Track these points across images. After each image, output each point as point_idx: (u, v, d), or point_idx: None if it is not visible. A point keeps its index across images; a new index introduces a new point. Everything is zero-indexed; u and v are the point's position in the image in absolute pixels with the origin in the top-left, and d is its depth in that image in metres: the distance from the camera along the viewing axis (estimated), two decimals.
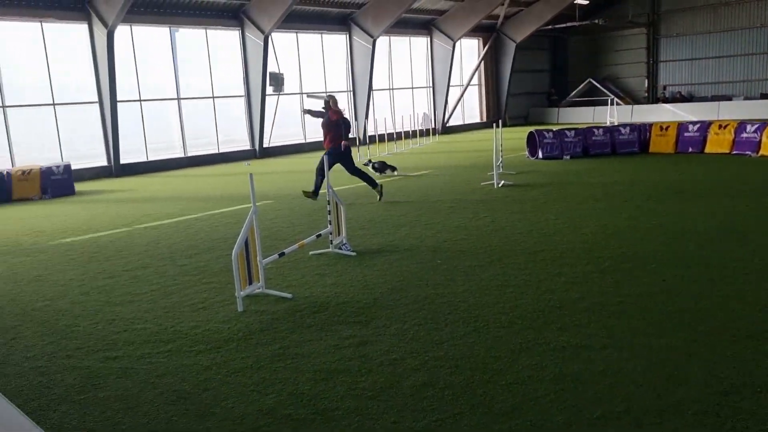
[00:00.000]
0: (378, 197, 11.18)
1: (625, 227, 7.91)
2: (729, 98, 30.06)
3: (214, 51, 21.28)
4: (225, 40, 21.51)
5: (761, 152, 14.23)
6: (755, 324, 4.55)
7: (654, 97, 33.42)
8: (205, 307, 5.63)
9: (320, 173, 11.35)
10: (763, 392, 3.56)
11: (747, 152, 14.55)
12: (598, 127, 17.00)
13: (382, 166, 14.70)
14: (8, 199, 13.96)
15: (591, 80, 34.03)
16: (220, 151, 21.66)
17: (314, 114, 11.43)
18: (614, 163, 14.81)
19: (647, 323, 4.68)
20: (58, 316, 5.59)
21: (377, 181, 11.54)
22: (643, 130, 16.66)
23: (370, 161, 14.97)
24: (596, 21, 30.81)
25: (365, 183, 11.43)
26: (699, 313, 4.83)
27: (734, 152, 14.85)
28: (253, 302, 5.65)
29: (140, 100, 19.51)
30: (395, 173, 14.76)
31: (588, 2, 31.47)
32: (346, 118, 11.33)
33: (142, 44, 19.52)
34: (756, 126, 14.74)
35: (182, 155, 20.66)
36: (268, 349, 4.58)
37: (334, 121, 11.01)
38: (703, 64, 31.83)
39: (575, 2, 29.90)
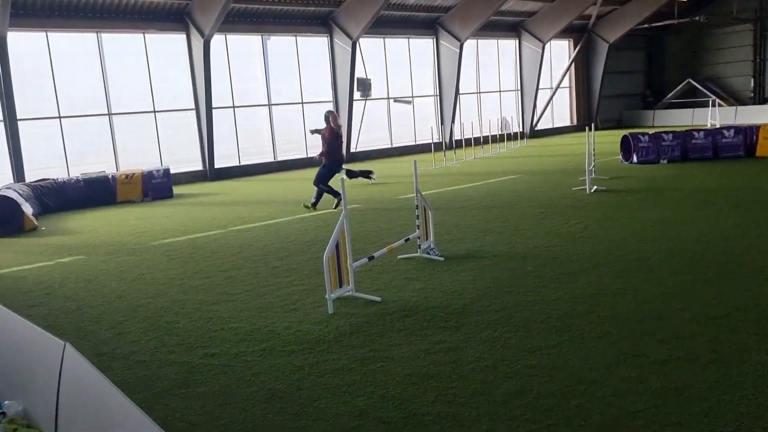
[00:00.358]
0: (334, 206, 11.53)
1: (730, 235, 7.43)
2: None
3: (303, 57, 21.88)
4: (314, 46, 22.08)
5: None
6: None
7: (761, 97, 31.22)
8: (297, 308, 5.77)
9: (328, 188, 11.68)
10: None
11: None
12: (698, 130, 16.10)
13: (350, 173, 14.28)
14: (113, 202, 14.92)
15: (690, 80, 32.25)
16: (309, 155, 22.20)
17: (319, 131, 11.85)
18: (717, 167, 13.97)
19: (759, 338, 4.36)
20: (160, 313, 5.91)
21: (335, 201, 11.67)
22: (749, 133, 15.60)
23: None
24: (697, 18, 29.17)
25: (316, 196, 11.71)
26: None
27: None
28: (343, 304, 5.74)
29: (233, 107, 20.35)
30: (372, 177, 14.95)
31: None
32: (330, 138, 11.58)
33: (236, 52, 20.37)
34: None
35: (272, 159, 21.36)
36: (358, 351, 4.63)
37: (327, 137, 11.57)
38: None
39: None
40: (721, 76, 32.86)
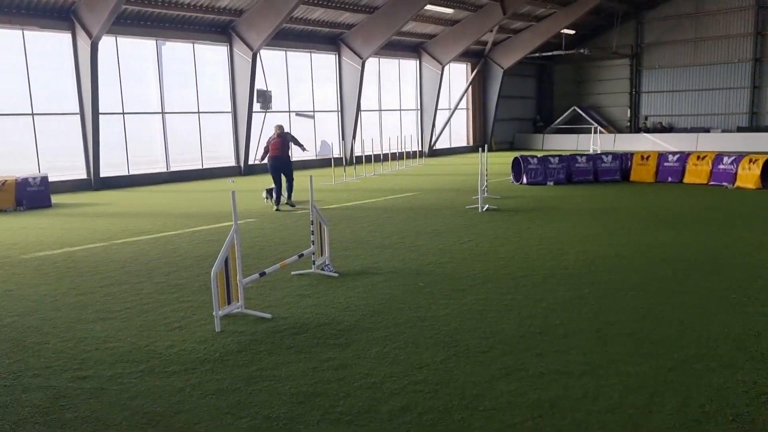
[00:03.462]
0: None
1: (605, 254, 7.94)
2: (707, 130, 30.65)
3: (200, 66, 21.26)
4: (212, 55, 21.52)
5: (737, 184, 14.47)
6: (730, 353, 4.56)
7: (636, 126, 33.93)
8: (182, 326, 5.52)
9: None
10: (735, 422, 3.56)
11: (723, 183, 14.78)
12: (581, 155, 17.19)
13: None
14: None
15: (576, 108, 34.54)
16: (204, 167, 21.55)
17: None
18: (596, 190, 14.94)
19: (626, 351, 4.67)
20: (26, 332, 5.44)
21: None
22: (624, 159, 16.87)
23: None
24: (582, 51, 31.35)
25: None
26: (676, 341, 4.84)
27: (711, 183, 15.07)
28: (231, 322, 5.56)
29: (123, 113, 19.37)
30: None
31: (574, 32, 32.07)
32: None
33: (127, 56, 19.44)
34: (732, 158, 14.99)
35: (165, 170, 20.50)
36: (244, 370, 4.48)
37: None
38: (682, 96, 32.44)
39: (562, 32, 30.43)
40: (602, 105, 35.40)
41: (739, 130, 29.78)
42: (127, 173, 19.44)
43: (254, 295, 6.35)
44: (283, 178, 13.19)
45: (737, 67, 30.43)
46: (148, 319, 5.71)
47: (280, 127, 13.45)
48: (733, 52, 30.41)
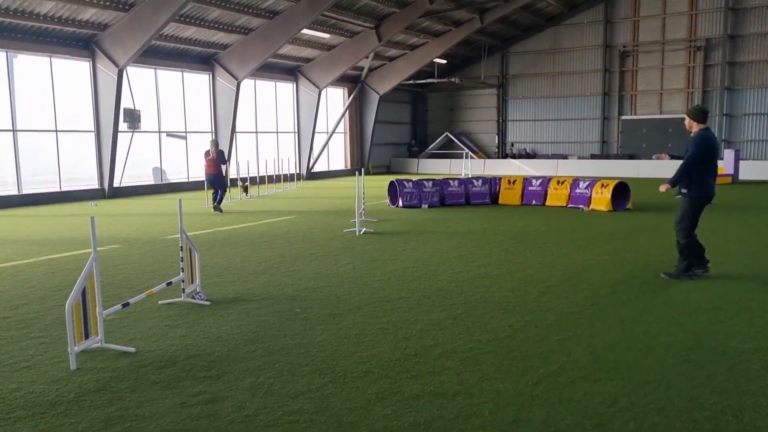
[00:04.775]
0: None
1: (476, 275, 8.27)
2: (565, 157, 33.25)
3: (60, 81, 19.80)
4: (74, 70, 20.14)
5: (591, 206, 15.74)
6: (588, 365, 4.89)
7: (503, 152, 36.03)
8: (31, 365, 5.00)
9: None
10: (592, 430, 3.79)
11: (580, 206, 16.03)
12: (453, 179, 17.91)
13: None
14: None
15: (448, 134, 36.10)
16: (63, 189, 19.98)
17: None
18: (468, 213, 15.60)
19: (495, 368, 4.85)
20: None
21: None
22: (493, 183, 17.79)
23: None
24: (453, 79, 32.92)
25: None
26: (540, 356, 5.11)
27: (569, 206, 16.28)
28: (89, 359, 5.12)
29: None
30: None
31: (446, 62, 33.64)
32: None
33: None
34: (587, 183, 16.31)
35: (16, 193, 18.77)
36: (103, 411, 4.13)
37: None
38: (544, 125, 34.97)
39: (434, 61, 31.81)
40: (472, 132, 37.28)
41: (593, 157, 32.55)
42: None
43: (117, 328, 5.92)
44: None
45: (590, 100, 33.38)
46: None
47: (215, 144, 16.19)
48: (586, 87, 33.36)
